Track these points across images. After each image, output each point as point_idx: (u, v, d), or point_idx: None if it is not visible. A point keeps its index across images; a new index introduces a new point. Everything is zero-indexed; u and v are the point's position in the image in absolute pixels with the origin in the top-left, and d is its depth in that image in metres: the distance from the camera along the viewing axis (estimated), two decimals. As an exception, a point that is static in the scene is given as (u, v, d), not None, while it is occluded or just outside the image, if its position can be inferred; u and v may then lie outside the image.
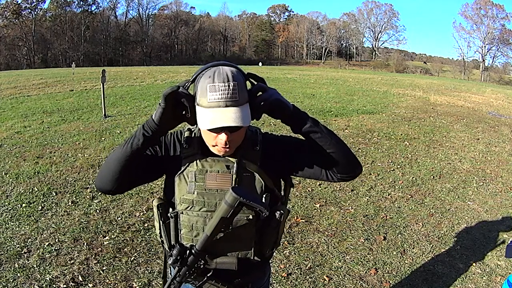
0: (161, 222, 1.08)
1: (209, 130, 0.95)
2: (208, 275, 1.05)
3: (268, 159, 1.08)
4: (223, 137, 0.95)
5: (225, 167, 1.03)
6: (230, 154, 1.04)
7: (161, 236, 1.11)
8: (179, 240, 1.06)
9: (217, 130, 0.95)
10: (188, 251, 1.00)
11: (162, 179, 1.14)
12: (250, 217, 1.02)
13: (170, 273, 1.26)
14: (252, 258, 1.08)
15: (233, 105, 0.90)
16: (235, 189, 0.91)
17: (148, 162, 1.08)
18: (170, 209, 1.07)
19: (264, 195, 1.05)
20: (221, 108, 0.90)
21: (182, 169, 1.05)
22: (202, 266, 1.02)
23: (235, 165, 1.03)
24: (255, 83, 1.02)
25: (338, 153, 1.03)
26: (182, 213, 1.04)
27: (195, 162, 1.04)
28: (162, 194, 1.16)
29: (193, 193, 1.02)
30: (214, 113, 0.90)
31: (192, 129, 1.10)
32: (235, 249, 1.06)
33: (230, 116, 0.89)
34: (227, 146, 0.97)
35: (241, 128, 0.97)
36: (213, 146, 1.00)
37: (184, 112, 0.95)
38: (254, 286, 1.19)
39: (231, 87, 0.90)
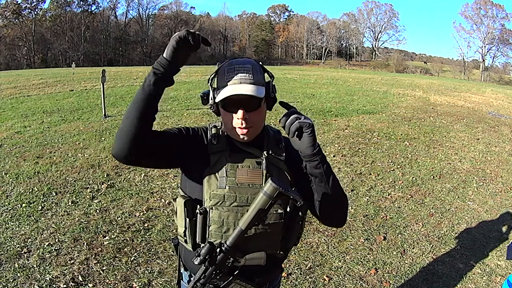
0: (187, 220, 1.06)
1: (223, 103, 1.01)
2: (235, 273, 1.04)
3: (289, 158, 1.11)
4: (239, 114, 1.00)
5: (256, 163, 1.06)
6: (258, 148, 1.07)
7: (185, 235, 1.09)
8: (206, 237, 1.05)
9: (233, 109, 1.01)
10: (218, 249, 0.98)
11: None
12: (279, 211, 1.03)
13: (182, 278, 1.23)
14: (278, 253, 1.09)
15: (247, 82, 0.99)
16: (274, 180, 0.92)
17: (171, 139, 1.08)
18: (198, 206, 1.06)
19: (293, 188, 1.06)
20: (236, 85, 0.99)
21: (212, 164, 1.06)
22: (230, 265, 1.01)
23: (264, 161, 1.06)
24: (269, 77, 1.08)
25: (327, 206, 1.06)
26: (212, 208, 1.03)
27: (224, 157, 1.06)
28: (180, 192, 1.14)
29: (225, 188, 1.03)
30: (229, 88, 0.99)
31: (218, 126, 1.13)
32: (264, 245, 1.06)
33: (243, 88, 0.98)
34: (244, 126, 1.01)
35: (257, 109, 1.02)
36: (232, 129, 1.04)
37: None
38: (271, 285, 1.20)
39: (246, 68, 1.00)
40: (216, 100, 1.03)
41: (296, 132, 0.98)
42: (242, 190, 1.03)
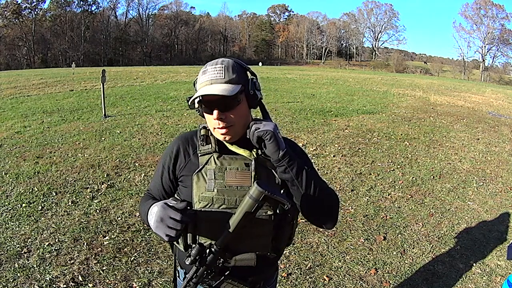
0: None
1: (200, 105, 1.03)
2: (226, 273, 1.04)
3: None
4: (214, 115, 1.01)
5: (244, 165, 1.05)
6: (248, 150, 1.06)
7: None
8: (197, 239, 1.06)
9: (208, 110, 1.02)
10: (208, 250, 0.99)
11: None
12: (269, 213, 1.03)
13: (179, 276, 1.24)
14: (269, 254, 1.09)
15: (218, 82, 1.00)
16: (260, 183, 0.92)
17: (167, 190, 1.15)
18: (188, 208, 1.05)
19: (281, 190, 1.07)
20: (207, 86, 1.01)
21: (200, 167, 1.06)
22: (220, 265, 1.01)
23: (253, 162, 1.05)
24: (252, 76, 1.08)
25: (306, 209, 1.04)
26: (201, 211, 1.04)
27: (213, 160, 1.06)
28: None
29: (213, 191, 1.03)
30: (202, 89, 1.01)
31: (208, 127, 1.12)
32: (254, 246, 1.06)
33: (214, 88, 0.99)
34: (221, 126, 1.02)
35: (234, 108, 1.02)
36: (214, 130, 1.06)
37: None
38: (266, 284, 1.20)
39: (217, 68, 1.01)
40: (189, 103, 1.04)
41: (258, 143, 1.00)
42: (230, 193, 1.03)
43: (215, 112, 1.00)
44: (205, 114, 1.06)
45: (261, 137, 0.99)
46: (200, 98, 1.01)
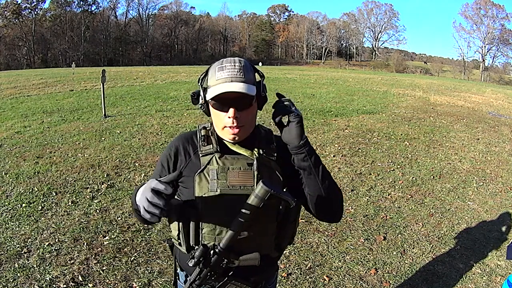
0: (181, 223, 1.06)
1: (214, 102, 1.00)
2: (229, 274, 1.04)
3: (281, 157, 1.10)
4: (230, 113, 0.99)
5: (246, 165, 1.05)
6: (249, 149, 1.06)
7: (179, 238, 1.08)
8: (200, 240, 1.05)
9: (224, 108, 1.00)
10: (212, 251, 0.98)
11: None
12: (272, 212, 1.03)
13: (179, 279, 1.23)
14: (272, 252, 1.10)
15: (238, 80, 0.98)
16: (265, 182, 0.92)
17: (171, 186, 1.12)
18: None
19: (284, 189, 1.07)
20: (227, 83, 0.97)
21: (202, 167, 1.05)
22: (224, 266, 1.01)
23: (255, 162, 1.04)
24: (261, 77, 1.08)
25: (319, 200, 1.05)
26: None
27: (215, 160, 1.05)
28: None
29: (216, 191, 1.02)
30: (220, 86, 0.97)
31: (208, 127, 1.12)
32: (258, 245, 1.06)
33: (235, 86, 0.96)
34: (236, 125, 1.00)
35: (248, 108, 1.01)
36: (223, 129, 1.03)
37: None
38: (267, 283, 1.20)
39: (237, 67, 0.99)
40: (207, 98, 1.01)
41: (280, 124, 1.01)
42: (233, 192, 1.03)
43: (231, 110, 0.98)
44: (216, 112, 1.03)
45: (289, 118, 0.99)
46: (216, 96, 0.99)
